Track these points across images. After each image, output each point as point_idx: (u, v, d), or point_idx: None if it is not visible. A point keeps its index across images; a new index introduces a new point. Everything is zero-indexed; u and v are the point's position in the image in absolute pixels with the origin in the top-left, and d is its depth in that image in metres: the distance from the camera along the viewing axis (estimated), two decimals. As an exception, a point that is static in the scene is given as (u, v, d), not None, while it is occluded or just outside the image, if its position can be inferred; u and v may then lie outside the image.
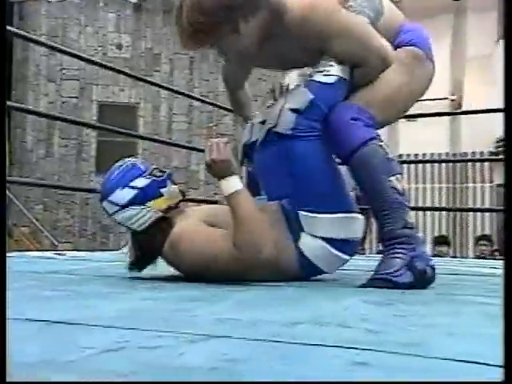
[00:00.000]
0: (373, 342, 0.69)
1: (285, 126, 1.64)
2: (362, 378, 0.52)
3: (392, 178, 1.64)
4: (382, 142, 1.67)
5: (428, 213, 7.90)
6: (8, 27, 2.26)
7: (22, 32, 2.92)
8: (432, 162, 7.58)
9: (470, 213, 8.02)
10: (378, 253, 5.55)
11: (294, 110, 1.64)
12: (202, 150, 3.47)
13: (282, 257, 1.62)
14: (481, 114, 6.97)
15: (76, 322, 0.80)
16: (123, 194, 1.60)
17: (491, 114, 6.65)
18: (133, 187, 1.60)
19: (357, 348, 0.64)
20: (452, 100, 8.18)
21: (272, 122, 1.66)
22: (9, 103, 2.63)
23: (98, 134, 8.54)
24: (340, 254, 1.65)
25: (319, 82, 1.66)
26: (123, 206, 1.59)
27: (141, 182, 1.61)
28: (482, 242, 6.33)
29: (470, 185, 8.08)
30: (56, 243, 7.54)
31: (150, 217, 1.60)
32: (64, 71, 8.59)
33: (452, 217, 8.13)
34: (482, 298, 1.34)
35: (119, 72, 3.53)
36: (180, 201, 1.68)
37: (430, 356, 0.61)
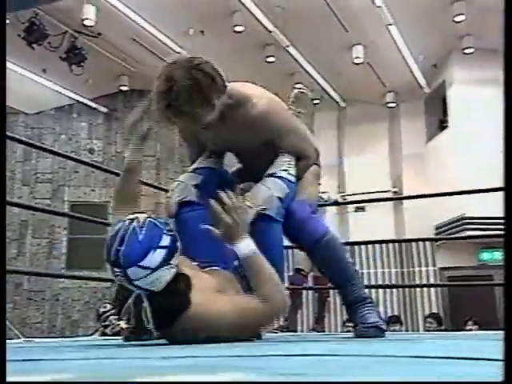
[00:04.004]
0: None
1: (274, 211, 1.79)
2: None
3: (348, 255, 1.85)
4: None
5: (380, 295, 7.93)
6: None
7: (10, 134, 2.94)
8: (381, 242, 7.64)
9: (419, 293, 8.09)
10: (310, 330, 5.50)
11: (279, 198, 1.81)
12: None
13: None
14: (420, 205, 7.26)
15: None
16: (156, 257, 1.41)
17: (429, 204, 6.94)
18: (162, 247, 1.43)
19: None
20: (394, 192, 8.50)
21: (262, 204, 1.78)
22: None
23: (69, 231, 8.39)
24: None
25: (288, 179, 1.85)
26: (154, 269, 1.41)
27: (166, 241, 1.45)
28: (428, 320, 6.36)
29: (416, 269, 8.21)
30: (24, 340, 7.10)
31: (170, 274, 1.45)
32: (38, 175, 8.56)
33: (402, 298, 8.17)
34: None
35: (102, 170, 3.54)
36: None
37: None
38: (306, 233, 1.87)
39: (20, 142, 3.34)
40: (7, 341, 2.75)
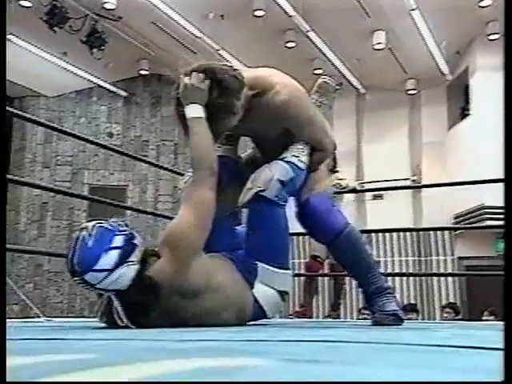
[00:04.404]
0: None
1: (272, 193, 1.76)
2: None
3: (367, 246, 1.83)
4: None
5: (397, 283, 7.91)
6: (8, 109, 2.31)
7: (25, 114, 2.97)
8: (399, 230, 7.61)
9: (436, 282, 8.05)
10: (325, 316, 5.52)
11: (280, 181, 1.77)
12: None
13: (243, 299, 1.71)
14: (439, 194, 7.18)
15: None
16: (109, 258, 1.45)
17: (448, 192, 6.86)
18: (114, 248, 1.47)
19: None
20: (413, 180, 8.43)
21: (262, 186, 1.77)
22: (9, 177, 2.63)
23: (88, 214, 8.49)
24: (282, 303, 1.82)
25: (296, 165, 1.82)
26: (111, 270, 1.44)
27: (118, 241, 1.49)
28: (446, 310, 6.32)
29: (434, 258, 8.16)
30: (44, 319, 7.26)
31: (133, 271, 1.48)
32: (58, 157, 8.67)
33: (419, 287, 8.14)
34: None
35: (121, 154, 3.56)
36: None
37: None
38: (326, 226, 1.87)
39: (40, 124, 3.39)
40: (28, 319, 2.81)
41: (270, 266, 1.75)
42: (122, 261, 1.47)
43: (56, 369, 0.56)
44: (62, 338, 1.13)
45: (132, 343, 1.00)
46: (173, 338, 1.08)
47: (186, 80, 1.67)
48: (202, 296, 1.58)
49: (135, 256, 1.50)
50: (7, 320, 2.83)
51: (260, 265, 1.74)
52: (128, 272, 1.47)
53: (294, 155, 1.84)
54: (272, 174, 1.78)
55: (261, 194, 1.75)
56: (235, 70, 1.77)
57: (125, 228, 1.54)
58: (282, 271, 1.77)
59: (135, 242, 1.53)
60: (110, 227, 1.52)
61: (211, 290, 1.60)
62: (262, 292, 1.73)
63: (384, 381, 0.49)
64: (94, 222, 1.53)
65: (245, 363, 0.62)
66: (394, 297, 1.93)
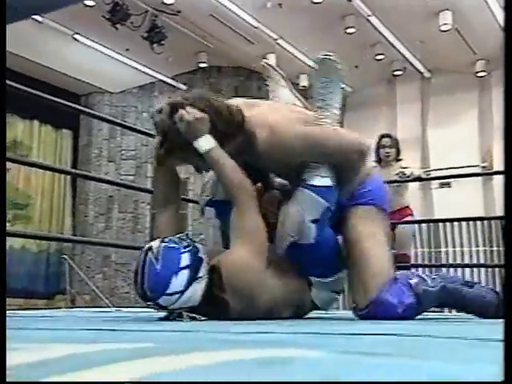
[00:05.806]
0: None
1: (309, 238, 1.66)
2: None
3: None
4: None
5: (467, 274, 7.63)
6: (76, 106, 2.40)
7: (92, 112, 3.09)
8: (468, 219, 7.30)
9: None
10: None
11: (314, 221, 1.65)
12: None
13: (302, 302, 1.77)
14: (512, 180, 6.83)
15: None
16: (180, 280, 1.44)
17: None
18: (183, 268, 1.45)
19: None
20: (483, 167, 8.08)
21: (294, 235, 1.65)
22: (78, 171, 2.76)
23: (152, 207, 8.74)
24: (338, 296, 1.87)
25: (324, 186, 1.65)
26: (183, 291, 1.44)
27: (185, 260, 1.46)
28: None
29: (507, 248, 7.80)
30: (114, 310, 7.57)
31: (203, 286, 1.48)
32: (123, 152, 8.97)
33: (492, 278, 7.82)
34: None
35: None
36: None
37: None
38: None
39: (105, 120, 3.53)
40: (100, 309, 2.95)
41: (322, 278, 1.77)
42: (192, 278, 1.46)
43: (112, 357, 0.58)
44: (119, 328, 1.18)
45: (186, 335, 1.03)
46: (229, 330, 1.11)
47: (187, 117, 1.62)
48: (269, 306, 1.64)
49: (203, 271, 1.49)
50: (81, 309, 2.98)
51: (312, 278, 1.77)
52: (198, 288, 1.47)
53: (314, 174, 1.67)
54: (301, 214, 1.63)
55: (298, 242, 1.65)
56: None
57: (188, 242, 1.52)
58: (334, 277, 1.80)
59: (200, 255, 1.50)
60: (175, 245, 1.49)
61: (277, 301, 1.66)
62: (319, 295, 1.79)
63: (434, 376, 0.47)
64: (158, 243, 1.50)
65: (297, 354, 0.62)
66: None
